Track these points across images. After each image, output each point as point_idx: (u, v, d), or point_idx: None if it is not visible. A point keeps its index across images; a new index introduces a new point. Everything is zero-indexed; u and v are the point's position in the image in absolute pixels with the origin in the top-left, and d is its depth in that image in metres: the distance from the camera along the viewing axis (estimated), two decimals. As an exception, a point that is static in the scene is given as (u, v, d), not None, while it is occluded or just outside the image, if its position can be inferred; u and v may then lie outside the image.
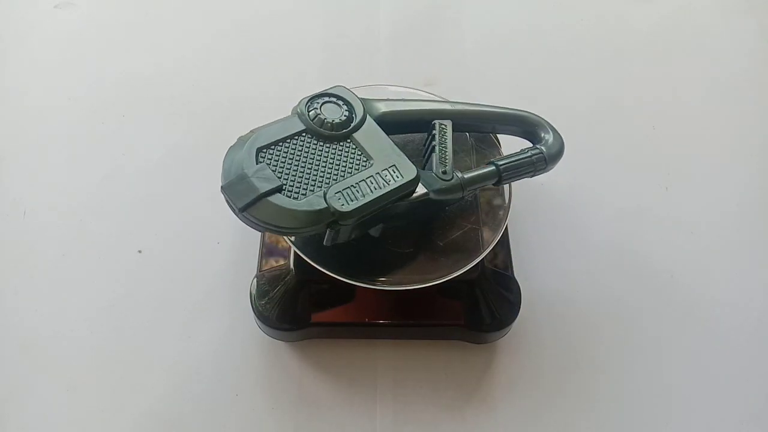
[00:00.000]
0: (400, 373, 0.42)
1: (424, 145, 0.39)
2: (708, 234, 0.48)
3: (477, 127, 0.41)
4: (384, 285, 0.37)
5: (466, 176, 0.36)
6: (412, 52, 0.58)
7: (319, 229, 0.33)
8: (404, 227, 0.38)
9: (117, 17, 0.59)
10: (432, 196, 0.35)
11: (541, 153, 0.38)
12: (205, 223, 0.47)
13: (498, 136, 0.47)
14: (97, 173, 0.49)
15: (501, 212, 0.41)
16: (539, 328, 0.43)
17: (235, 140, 0.35)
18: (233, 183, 0.33)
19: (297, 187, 0.33)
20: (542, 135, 0.40)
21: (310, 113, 0.35)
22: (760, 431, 0.41)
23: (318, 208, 0.32)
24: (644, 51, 0.58)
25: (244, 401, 0.40)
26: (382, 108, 0.38)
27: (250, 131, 0.35)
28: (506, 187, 0.41)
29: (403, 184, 0.34)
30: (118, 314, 0.43)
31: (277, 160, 0.34)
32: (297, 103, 0.36)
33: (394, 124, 0.38)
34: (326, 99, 0.36)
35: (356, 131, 0.35)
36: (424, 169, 0.38)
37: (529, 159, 0.38)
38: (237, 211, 0.32)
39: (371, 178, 0.34)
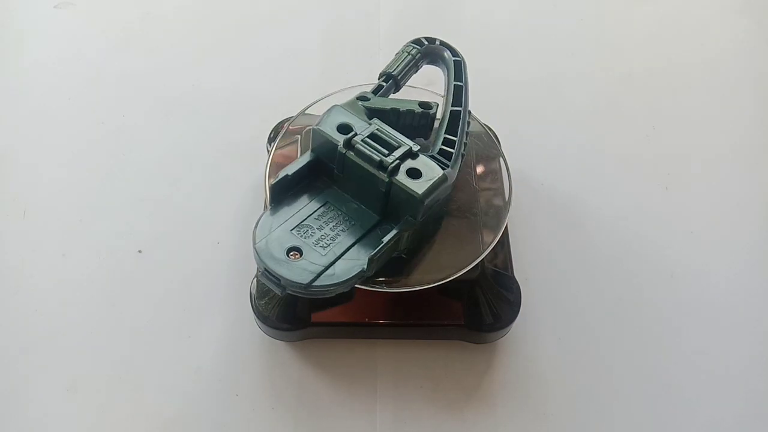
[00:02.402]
0: (400, 373, 0.42)
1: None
2: (708, 234, 0.48)
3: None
4: (384, 287, 0.37)
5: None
6: (412, 52, 0.57)
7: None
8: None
9: (117, 17, 0.59)
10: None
11: (419, 50, 0.41)
12: (205, 223, 0.47)
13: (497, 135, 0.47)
14: (97, 173, 0.49)
15: (501, 212, 0.41)
16: (539, 328, 0.43)
17: None
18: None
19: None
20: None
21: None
22: (761, 431, 0.41)
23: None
24: (644, 51, 0.58)
25: (244, 401, 0.40)
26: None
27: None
28: (506, 187, 0.42)
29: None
30: (118, 314, 0.43)
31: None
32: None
33: None
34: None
35: None
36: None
37: (410, 56, 0.41)
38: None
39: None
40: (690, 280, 0.46)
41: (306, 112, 0.44)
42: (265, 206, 0.43)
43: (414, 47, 0.41)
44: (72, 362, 0.41)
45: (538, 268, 0.45)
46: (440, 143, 0.37)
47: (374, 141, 0.35)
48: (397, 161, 0.34)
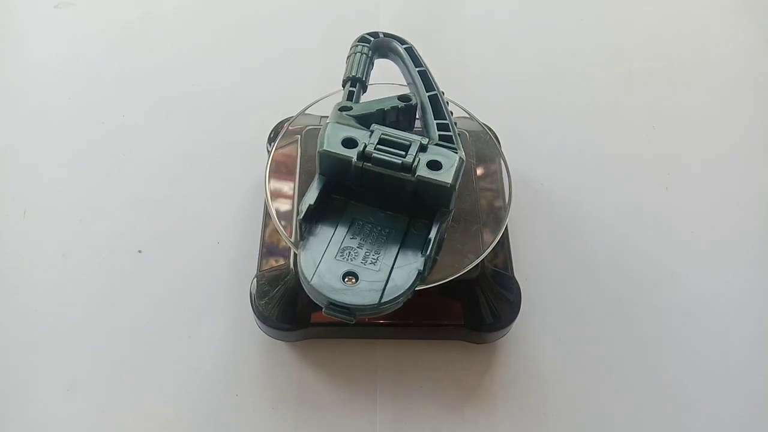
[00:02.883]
0: (400, 373, 0.42)
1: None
2: (708, 234, 0.48)
3: None
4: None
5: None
6: (412, 52, 0.57)
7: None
8: None
9: (117, 17, 0.59)
10: None
11: (369, 47, 0.41)
12: (205, 223, 0.47)
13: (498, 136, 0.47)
14: (97, 173, 0.49)
15: (501, 212, 0.41)
16: (539, 328, 0.43)
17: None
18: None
19: None
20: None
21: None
22: (761, 431, 0.41)
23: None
24: (644, 51, 0.58)
25: (244, 401, 0.40)
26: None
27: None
28: (506, 187, 0.41)
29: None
30: (118, 314, 0.43)
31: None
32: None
33: None
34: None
35: None
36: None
37: (365, 55, 0.40)
38: None
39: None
40: (690, 280, 0.46)
41: (306, 112, 0.44)
42: (266, 212, 0.43)
43: (363, 45, 0.41)
44: (72, 362, 0.41)
45: (538, 268, 0.45)
46: (436, 130, 0.37)
47: (386, 145, 0.34)
48: (418, 158, 0.34)
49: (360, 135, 0.35)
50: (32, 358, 0.42)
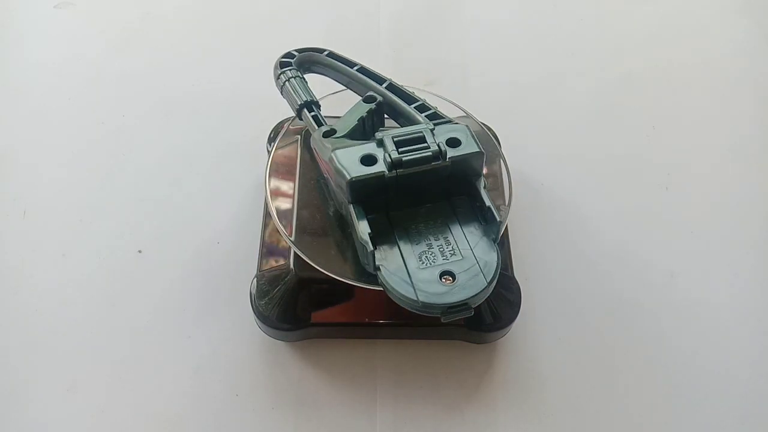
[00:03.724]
0: (400, 373, 0.42)
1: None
2: (708, 234, 0.48)
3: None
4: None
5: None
6: (412, 52, 0.58)
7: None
8: None
9: (117, 17, 0.59)
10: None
11: (295, 68, 0.41)
12: (205, 223, 0.47)
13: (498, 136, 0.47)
14: (97, 173, 0.49)
15: (501, 212, 0.41)
16: (539, 328, 0.43)
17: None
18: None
19: None
20: None
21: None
22: (761, 431, 0.41)
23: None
24: (644, 51, 0.58)
25: (244, 401, 0.40)
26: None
27: None
28: (506, 187, 0.41)
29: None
30: (118, 314, 0.43)
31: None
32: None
33: None
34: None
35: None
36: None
37: (299, 78, 0.41)
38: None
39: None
40: (690, 280, 0.46)
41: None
42: (266, 211, 0.43)
43: (290, 69, 0.41)
44: (72, 362, 0.41)
45: (538, 268, 0.45)
46: (420, 112, 0.37)
47: (405, 146, 0.34)
48: (439, 143, 0.34)
49: (370, 149, 0.34)
50: (32, 358, 0.42)
